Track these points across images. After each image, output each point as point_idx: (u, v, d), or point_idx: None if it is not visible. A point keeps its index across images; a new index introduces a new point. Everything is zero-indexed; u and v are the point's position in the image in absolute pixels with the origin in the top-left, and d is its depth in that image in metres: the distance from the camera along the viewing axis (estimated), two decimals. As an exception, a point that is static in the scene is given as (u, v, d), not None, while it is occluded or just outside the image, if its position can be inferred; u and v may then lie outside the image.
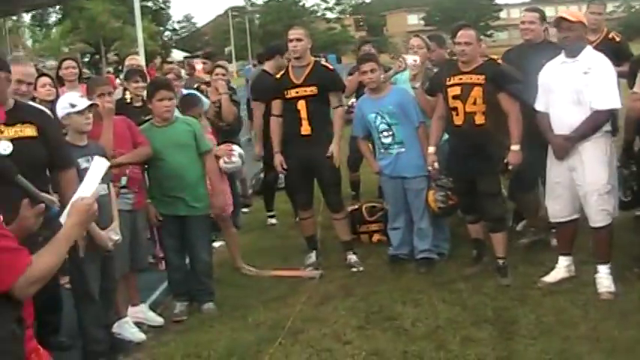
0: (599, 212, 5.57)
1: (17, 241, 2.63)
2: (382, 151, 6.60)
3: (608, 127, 5.67)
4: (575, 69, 5.55)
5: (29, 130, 4.41)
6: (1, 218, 2.68)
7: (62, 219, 2.87)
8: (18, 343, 2.65)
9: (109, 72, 30.11)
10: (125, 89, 7.14)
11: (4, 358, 2.58)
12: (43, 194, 2.95)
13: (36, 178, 3.46)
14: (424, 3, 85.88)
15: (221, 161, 6.63)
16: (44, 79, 6.87)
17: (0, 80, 4.23)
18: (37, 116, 4.62)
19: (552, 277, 5.86)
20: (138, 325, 5.65)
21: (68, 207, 2.88)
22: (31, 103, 5.28)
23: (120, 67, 39.58)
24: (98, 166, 3.13)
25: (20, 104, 4.62)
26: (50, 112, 5.15)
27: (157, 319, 5.86)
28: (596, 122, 5.54)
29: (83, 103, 5.06)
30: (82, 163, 4.89)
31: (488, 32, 73.33)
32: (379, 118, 6.48)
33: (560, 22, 5.59)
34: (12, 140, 4.29)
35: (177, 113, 6.22)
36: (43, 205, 2.88)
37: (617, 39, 7.13)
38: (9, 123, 4.37)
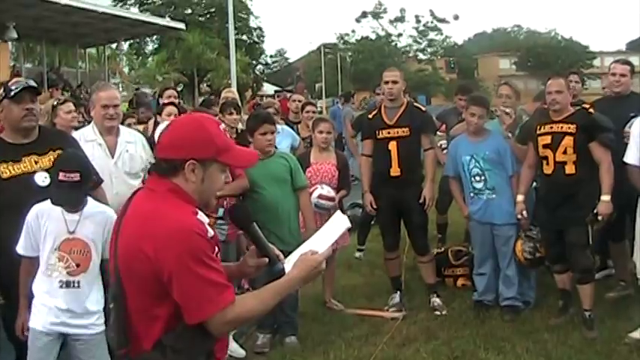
0: None
1: (226, 278, 2.56)
2: (472, 195, 6.59)
3: None
4: None
5: None
6: (217, 251, 2.64)
7: (286, 267, 2.74)
8: None
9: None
10: (221, 121, 7.28)
11: None
12: (272, 247, 2.85)
13: None
14: (517, 47, 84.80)
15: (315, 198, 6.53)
16: (68, 105, 6.50)
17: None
18: (63, 141, 4.66)
19: (641, 333, 5.73)
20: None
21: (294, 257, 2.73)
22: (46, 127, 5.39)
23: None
24: (338, 223, 2.91)
25: (44, 130, 4.63)
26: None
27: (240, 351, 5.92)
28: None
29: None
30: None
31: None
32: (473, 161, 6.50)
33: None
34: (48, 170, 4.30)
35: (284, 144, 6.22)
36: (266, 260, 2.82)
37: None
38: (40, 152, 4.40)
